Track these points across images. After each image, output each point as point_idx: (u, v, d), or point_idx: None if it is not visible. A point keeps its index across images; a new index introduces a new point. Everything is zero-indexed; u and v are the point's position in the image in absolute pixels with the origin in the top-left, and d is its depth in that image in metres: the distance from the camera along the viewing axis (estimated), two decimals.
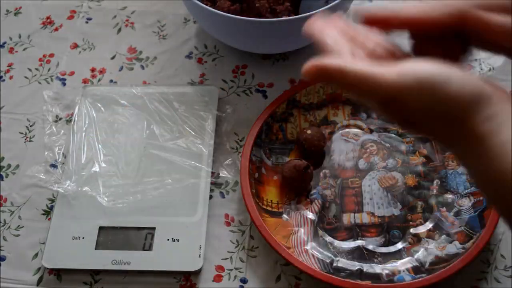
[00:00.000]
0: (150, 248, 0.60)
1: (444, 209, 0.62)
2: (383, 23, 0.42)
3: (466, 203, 0.61)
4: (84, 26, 0.82)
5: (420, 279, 0.55)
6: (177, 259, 0.59)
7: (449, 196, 0.62)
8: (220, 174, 0.66)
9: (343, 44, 0.40)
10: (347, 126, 0.69)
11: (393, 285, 0.56)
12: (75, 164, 0.66)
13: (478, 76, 0.39)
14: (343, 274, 0.57)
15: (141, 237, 0.60)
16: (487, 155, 0.35)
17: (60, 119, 0.71)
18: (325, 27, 0.42)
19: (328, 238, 0.60)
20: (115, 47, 0.79)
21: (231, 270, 0.60)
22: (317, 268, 0.57)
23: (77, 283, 0.59)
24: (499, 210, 0.41)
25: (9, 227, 0.63)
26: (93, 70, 0.77)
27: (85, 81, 0.75)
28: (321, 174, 0.65)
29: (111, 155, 0.66)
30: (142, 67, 0.77)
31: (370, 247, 0.60)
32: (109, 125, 0.69)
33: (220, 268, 0.60)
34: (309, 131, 0.65)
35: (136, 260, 0.59)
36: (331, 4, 0.64)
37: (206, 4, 0.71)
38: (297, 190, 0.64)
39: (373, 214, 0.62)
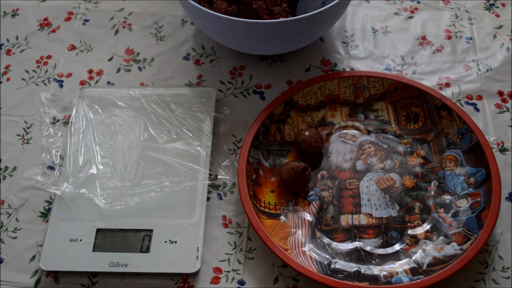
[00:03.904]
0: (147, 250, 0.60)
1: (442, 210, 0.62)
2: None
3: (464, 204, 0.61)
4: (82, 28, 0.82)
5: (418, 280, 0.55)
6: (174, 261, 0.59)
7: (446, 197, 0.62)
8: (218, 176, 0.66)
9: None
10: (345, 127, 0.69)
11: (390, 286, 0.56)
12: (73, 166, 0.65)
13: None
14: (341, 275, 0.57)
15: (139, 239, 0.60)
16: None
17: (58, 121, 0.71)
18: None
19: (326, 240, 0.60)
20: (113, 48, 0.79)
21: (229, 272, 0.60)
22: (315, 269, 0.57)
23: (74, 285, 0.59)
24: None
25: (6, 229, 0.63)
26: (90, 71, 0.77)
27: (82, 83, 0.75)
28: (319, 176, 0.65)
29: (108, 157, 0.66)
30: (140, 68, 0.77)
31: (368, 248, 0.60)
32: (107, 127, 0.69)
33: (217, 270, 0.60)
34: (306, 133, 0.65)
35: (134, 262, 0.59)
36: (328, 6, 0.64)
37: (204, 6, 0.71)
38: (294, 191, 0.64)
39: (370, 215, 0.62)
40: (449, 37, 0.79)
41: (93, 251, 0.60)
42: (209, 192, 0.65)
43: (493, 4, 0.82)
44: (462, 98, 0.72)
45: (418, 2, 0.83)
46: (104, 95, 0.72)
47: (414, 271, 0.57)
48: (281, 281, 0.59)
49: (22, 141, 0.70)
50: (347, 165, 0.66)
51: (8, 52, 0.79)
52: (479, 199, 0.61)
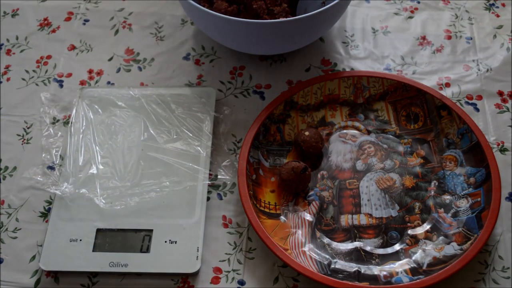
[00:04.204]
0: (147, 250, 0.60)
1: (442, 210, 0.62)
2: None
3: (464, 204, 0.61)
4: (82, 28, 0.82)
5: (418, 280, 0.55)
6: (174, 261, 0.59)
7: (446, 197, 0.62)
8: (218, 176, 0.66)
9: None
10: (345, 127, 0.69)
11: (390, 286, 0.56)
12: (73, 166, 0.65)
13: None
14: (341, 275, 0.57)
15: (139, 239, 0.60)
16: None
17: (58, 121, 0.71)
18: None
19: (326, 240, 0.60)
20: (113, 48, 0.79)
21: (229, 272, 0.60)
22: (315, 269, 0.57)
23: (74, 285, 0.59)
24: None
25: (6, 229, 0.63)
26: (90, 71, 0.77)
27: (82, 83, 0.75)
28: (319, 176, 0.65)
29: (108, 157, 0.66)
30: (140, 68, 0.77)
31: (368, 248, 0.60)
32: (107, 127, 0.69)
33: (217, 270, 0.60)
34: (306, 133, 0.65)
35: (134, 262, 0.59)
36: (328, 6, 0.64)
37: (204, 6, 0.71)
38: (294, 191, 0.64)
39: (370, 215, 0.62)
40: (449, 37, 0.79)
41: (93, 251, 0.60)
42: (209, 192, 0.65)
43: (493, 4, 0.82)
44: (462, 98, 0.72)
45: (418, 2, 0.83)
46: (104, 95, 0.72)
47: (414, 271, 0.57)
48: (281, 281, 0.59)
49: (22, 141, 0.70)
50: (347, 165, 0.66)
51: (8, 52, 0.79)
52: (479, 199, 0.61)
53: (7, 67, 0.77)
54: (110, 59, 0.78)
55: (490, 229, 0.57)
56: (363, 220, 0.62)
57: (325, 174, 0.65)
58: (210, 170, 0.66)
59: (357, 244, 0.60)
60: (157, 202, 0.63)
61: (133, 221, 0.61)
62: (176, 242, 0.60)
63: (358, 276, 0.57)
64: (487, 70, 0.75)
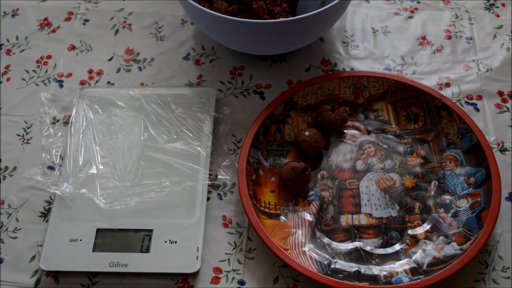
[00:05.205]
0: (147, 250, 0.60)
1: (442, 210, 0.62)
2: None
3: (464, 204, 0.61)
4: (82, 28, 0.82)
5: (418, 280, 0.55)
6: (174, 261, 0.59)
7: (446, 197, 0.62)
8: (218, 176, 0.66)
9: None
10: (345, 127, 0.69)
11: (390, 286, 0.56)
12: (73, 166, 0.65)
13: None
14: (341, 275, 0.57)
15: (139, 239, 0.60)
16: None
17: (58, 121, 0.71)
18: None
19: (326, 240, 0.60)
20: (113, 48, 0.79)
21: (229, 272, 0.60)
22: (315, 269, 0.57)
23: (74, 285, 0.59)
24: None
25: (6, 229, 0.63)
26: (90, 71, 0.77)
27: (82, 83, 0.75)
28: (319, 176, 0.65)
29: (108, 157, 0.66)
30: (140, 68, 0.77)
31: (368, 248, 0.60)
32: (107, 127, 0.69)
33: (217, 270, 0.60)
34: (306, 133, 0.65)
35: (134, 262, 0.59)
36: (327, 6, 0.64)
37: (204, 6, 0.71)
38: (294, 191, 0.64)
39: (370, 215, 0.62)
40: (449, 37, 0.79)
41: (93, 251, 0.60)
42: (209, 192, 0.65)
43: (493, 4, 0.82)
44: (462, 98, 0.72)
45: (418, 2, 0.83)
46: (104, 95, 0.72)
47: (414, 271, 0.57)
48: (281, 281, 0.59)
49: (22, 141, 0.70)
50: (347, 165, 0.66)
51: (8, 52, 0.79)
52: (479, 199, 0.61)
53: (7, 67, 0.77)
54: (110, 59, 0.78)
55: (490, 229, 0.57)
56: (363, 220, 0.62)
57: (325, 174, 0.65)
58: (210, 170, 0.66)
59: (357, 244, 0.60)
60: (157, 202, 0.63)
61: (133, 221, 0.61)
62: (176, 242, 0.60)
63: (358, 276, 0.57)
64: (487, 70, 0.75)
